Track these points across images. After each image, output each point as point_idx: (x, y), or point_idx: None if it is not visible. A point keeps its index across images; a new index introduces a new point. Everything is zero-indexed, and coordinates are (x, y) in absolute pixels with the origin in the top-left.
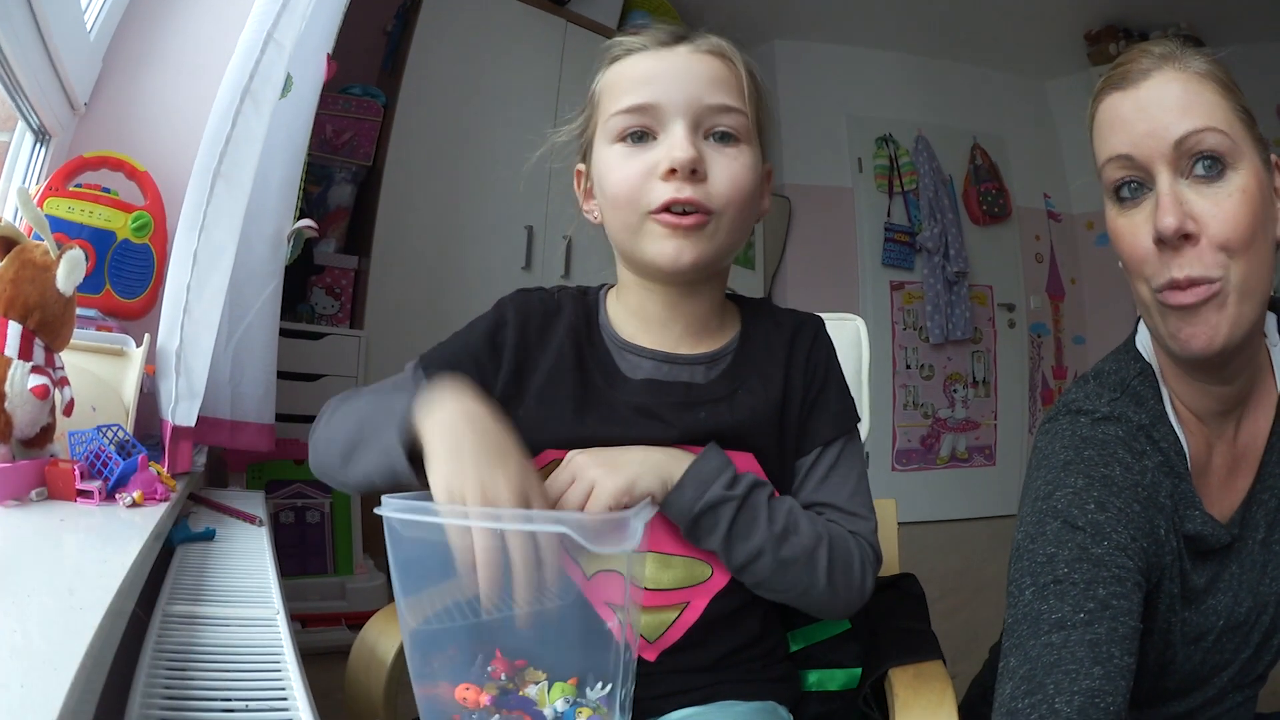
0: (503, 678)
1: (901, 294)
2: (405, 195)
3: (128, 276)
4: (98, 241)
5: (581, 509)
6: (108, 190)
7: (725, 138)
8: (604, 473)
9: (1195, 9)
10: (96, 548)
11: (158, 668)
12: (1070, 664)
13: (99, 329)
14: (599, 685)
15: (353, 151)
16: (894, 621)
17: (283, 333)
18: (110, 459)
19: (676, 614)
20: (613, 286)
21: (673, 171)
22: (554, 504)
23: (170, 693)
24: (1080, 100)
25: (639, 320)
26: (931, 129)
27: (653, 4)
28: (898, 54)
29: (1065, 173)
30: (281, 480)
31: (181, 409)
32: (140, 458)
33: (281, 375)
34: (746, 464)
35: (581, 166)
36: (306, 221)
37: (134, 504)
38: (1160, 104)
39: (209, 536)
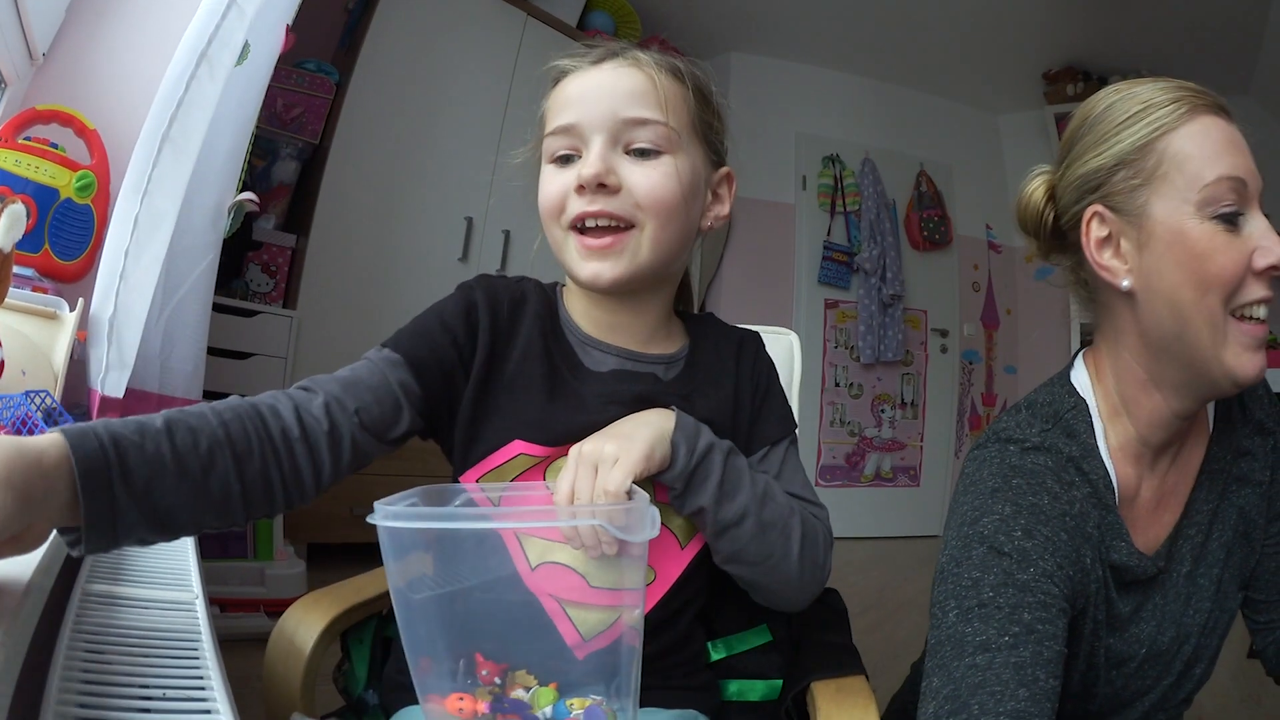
0: (496, 681)
1: (835, 312)
2: (349, 177)
3: (67, 237)
4: (40, 198)
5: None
6: (55, 146)
7: (644, 153)
8: (620, 443)
9: (1154, 59)
10: None
11: (76, 648)
12: (995, 685)
13: (34, 289)
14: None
15: (300, 128)
16: (816, 635)
17: (215, 308)
18: (37, 427)
19: (618, 615)
20: (564, 285)
21: (582, 188)
22: (572, 498)
23: (88, 676)
24: (1031, 136)
25: (591, 323)
26: (879, 152)
27: (613, 4)
28: (852, 76)
29: (1008, 204)
30: None
31: (111, 379)
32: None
33: (211, 351)
34: None
35: None
36: (248, 195)
37: None
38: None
39: None
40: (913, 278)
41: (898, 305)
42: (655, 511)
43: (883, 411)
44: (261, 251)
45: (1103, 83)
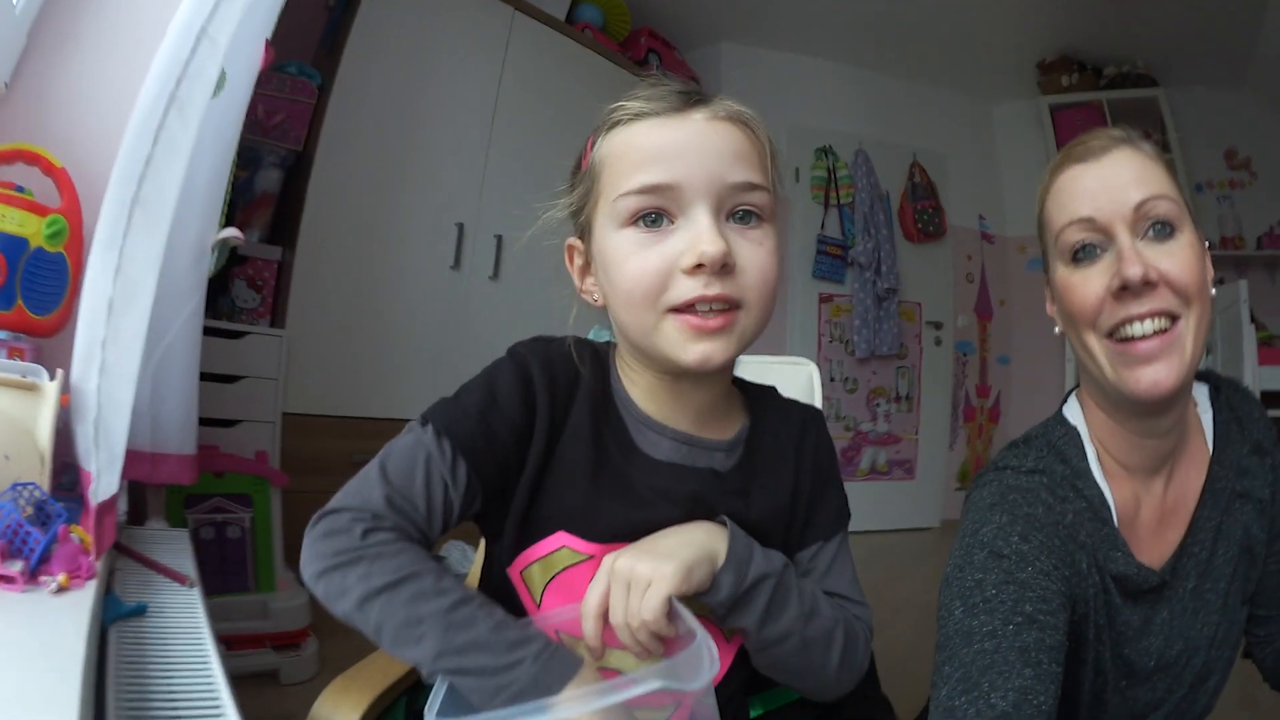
0: None
1: (830, 306)
2: (335, 184)
3: (41, 289)
4: (9, 250)
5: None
6: (21, 189)
7: (748, 217)
8: (655, 564)
9: (1151, 50)
10: (38, 657)
11: None
12: (1003, 666)
13: (10, 352)
14: None
15: (283, 135)
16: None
17: (202, 330)
18: (30, 535)
19: (670, 712)
20: (618, 351)
21: (700, 266)
22: (603, 613)
23: None
24: (1025, 126)
25: (650, 400)
26: (872, 143)
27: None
28: (845, 66)
29: (1002, 195)
30: (200, 494)
31: (104, 483)
32: (60, 528)
33: (200, 376)
34: None
35: (575, 242)
36: (232, 231)
37: (61, 588)
38: (1120, 175)
39: (141, 612)
40: (907, 270)
41: (892, 298)
42: (713, 649)
43: (878, 405)
44: (246, 266)
45: (1097, 74)
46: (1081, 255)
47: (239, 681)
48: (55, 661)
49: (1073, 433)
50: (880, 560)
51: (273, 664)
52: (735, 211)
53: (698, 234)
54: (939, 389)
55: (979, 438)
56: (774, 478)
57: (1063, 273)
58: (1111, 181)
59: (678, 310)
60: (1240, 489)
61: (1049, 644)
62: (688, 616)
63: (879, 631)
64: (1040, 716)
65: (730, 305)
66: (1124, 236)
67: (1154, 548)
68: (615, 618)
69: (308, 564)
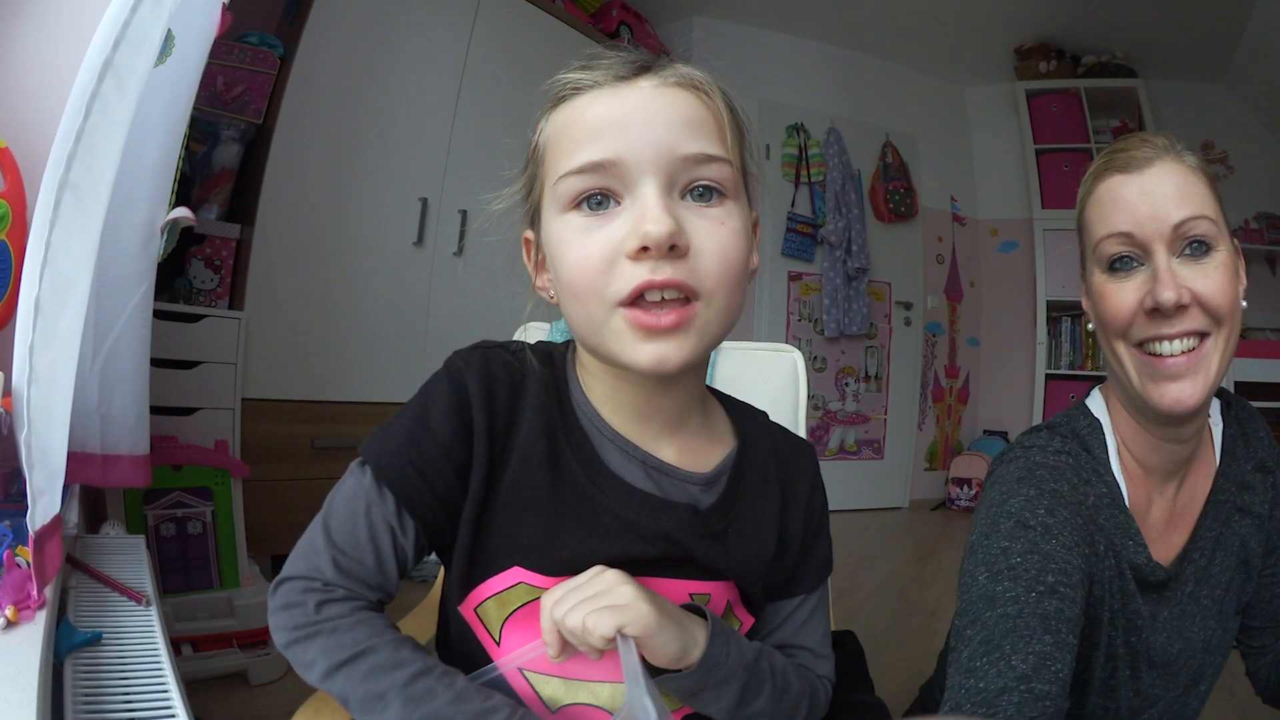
0: None
1: (799, 285)
2: (296, 159)
3: None
4: None
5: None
6: None
7: (707, 193)
8: (637, 600)
9: (1131, 41)
10: None
11: None
12: (1024, 630)
13: None
14: None
15: (243, 108)
16: (843, 693)
17: (156, 314)
18: None
19: None
20: (576, 353)
21: (645, 249)
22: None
23: None
24: (999, 110)
25: (612, 408)
26: (845, 122)
27: None
28: (818, 44)
29: (975, 178)
30: (160, 489)
31: (42, 507)
32: (5, 553)
33: (155, 363)
34: (726, 593)
35: (529, 234)
36: (182, 211)
37: (9, 623)
38: (1161, 190)
39: (96, 640)
40: (877, 250)
41: (862, 278)
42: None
43: (846, 385)
44: (205, 245)
45: (1075, 62)
46: (1118, 266)
47: (208, 685)
48: (7, 709)
49: (1096, 425)
50: (850, 541)
51: (240, 664)
52: (691, 188)
53: (642, 213)
54: (908, 369)
55: (948, 418)
56: (756, 522)
57: (1099, 279)
58: (1153, 196)
59: (627, 304)
60: (1241, 503)
61: (1068, 615)
62: (642, 692)
63: (854, 617)
64: (1057, 682)
65: (685, 295)
66: (1161, 256)
67: (1160, 547)
68: (558, 610)
69: (275, 634)
